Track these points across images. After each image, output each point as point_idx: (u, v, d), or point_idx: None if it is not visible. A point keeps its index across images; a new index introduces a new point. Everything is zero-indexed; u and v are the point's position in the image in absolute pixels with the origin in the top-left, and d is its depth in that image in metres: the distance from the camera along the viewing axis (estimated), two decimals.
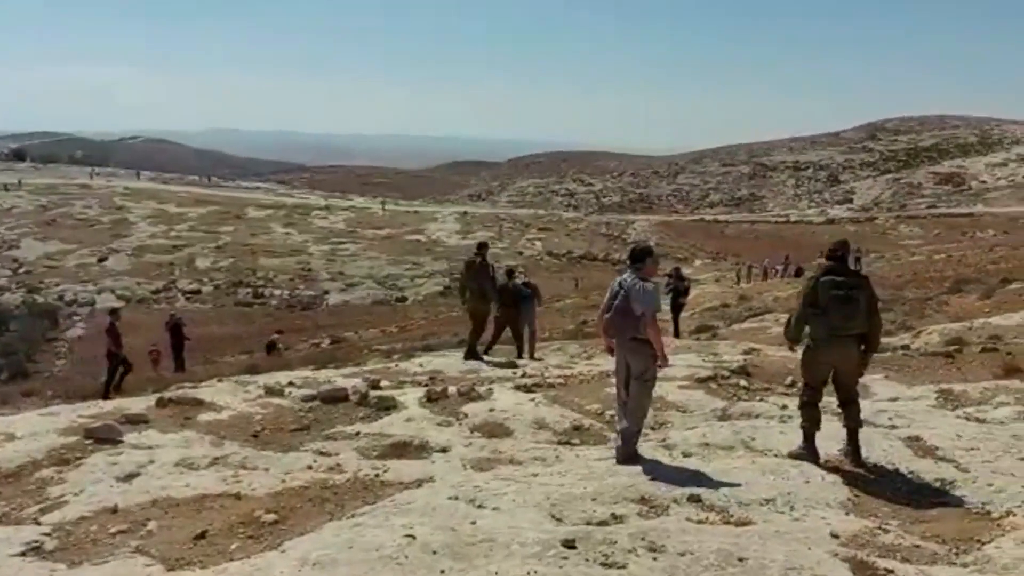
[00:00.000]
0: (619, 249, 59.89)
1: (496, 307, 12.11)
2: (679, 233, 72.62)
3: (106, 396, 12.93)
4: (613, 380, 8.57)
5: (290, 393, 8.79)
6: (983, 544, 4.54)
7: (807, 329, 6.14)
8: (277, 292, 46.46)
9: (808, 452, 6.16)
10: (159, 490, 5.76)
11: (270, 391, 8.88)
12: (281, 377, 10.23)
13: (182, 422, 7.59)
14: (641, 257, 6.17)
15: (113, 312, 16.84)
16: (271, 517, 5.16)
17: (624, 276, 6.21)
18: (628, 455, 6.16)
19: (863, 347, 6.11)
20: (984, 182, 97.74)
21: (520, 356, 12.64)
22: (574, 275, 51.48)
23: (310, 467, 6.31)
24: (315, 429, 7.52)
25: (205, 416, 7.82)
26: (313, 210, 72.61)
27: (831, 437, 6.77)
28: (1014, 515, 5.03)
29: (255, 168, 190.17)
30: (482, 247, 12.15)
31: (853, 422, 6.19)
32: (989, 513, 5.15)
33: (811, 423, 6.17)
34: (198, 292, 46.33)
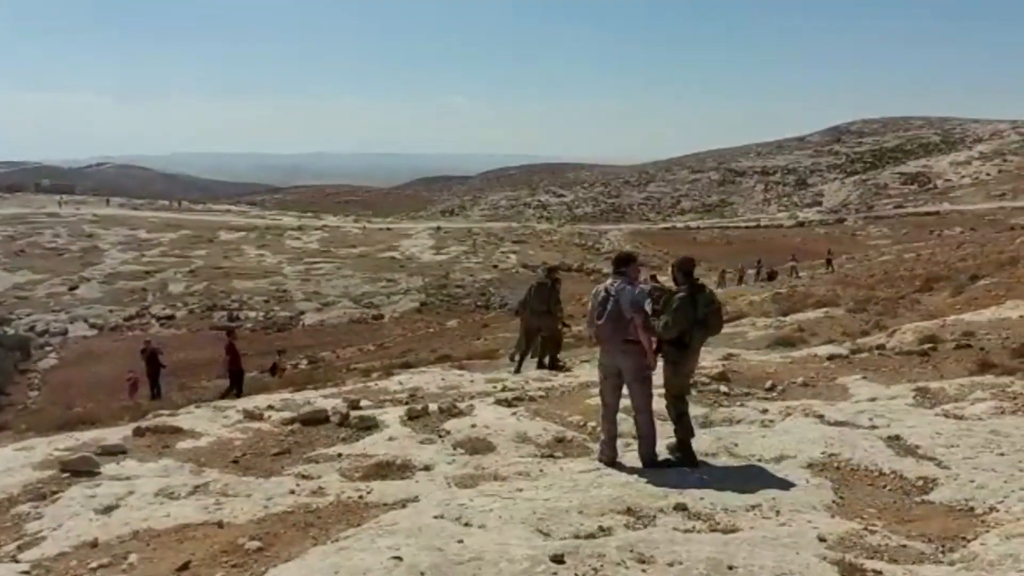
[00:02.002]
0: (593, 259, 60.12)
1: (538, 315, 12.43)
2: (652, 241, 72.92)
3: None
4: (594, 391, 8.58)
5: (269, 417, 8.69)
6: (968, 541, 4.57)
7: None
8: (252, 314, 46.04)
9: (690, 458, 6.44)
10: (139, 521, 5.66)
11: (249, 415, 8.77)
12: (260, 400, 10.12)
13: (160, 451, 7.48)
14: (626, 262, 6.43)
15: (230, 332, 18.71)
16: (255, 544, 5.09)
17: (609, 282, 6.34)
18: (652, 456, 6.41)
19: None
20: (949, 180, 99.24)
21: (545, 364, 12.62)
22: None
23: (292, 491, 6.23)
24: (296, 452, 7.44)
25: (184, 444, 7.71)
26: (286, 230, 72.20)
27: (813, 441, 6.83)
28: (997, 511, 5.08)
29: (225, 191, 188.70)
30: (552, 272, 13.18)
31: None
32: (972, 510, 5.19)
33: (688, 433, 6.52)
34: (172, 317, 45.83)
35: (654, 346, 6.35)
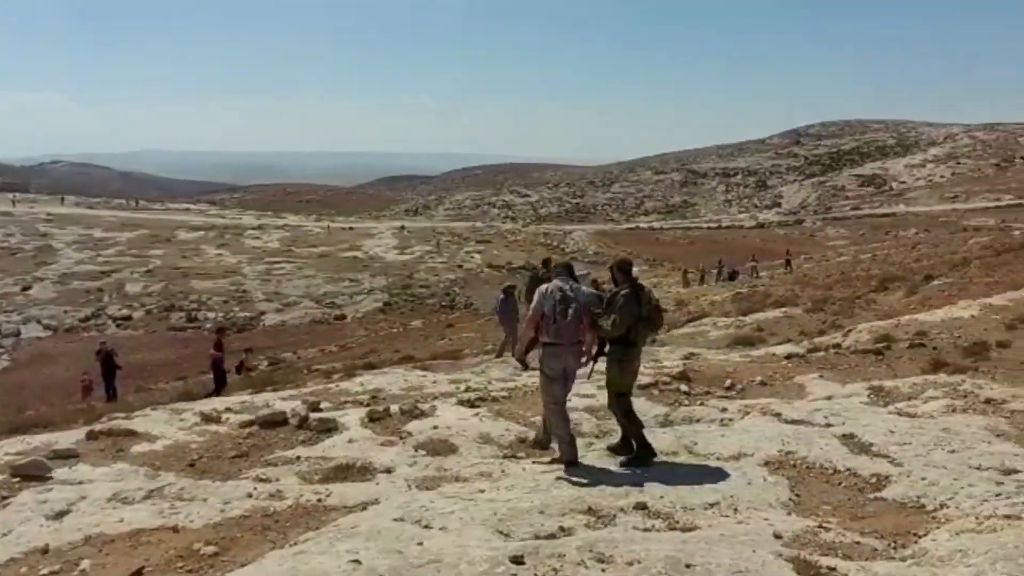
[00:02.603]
0: (558, 259, 60.17)
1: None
2: (616, 241, 73.32)
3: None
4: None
5: (227, 419, 8.58)
6: (919, 537, 4.66)
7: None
8: (211, 315, 45.36)
9: (648, 452, 6.55)
10: (92, 527, 5.54)
11: (206, 418, 8.64)
12: (217, 403, 9.98)
13: (114, 454, 7.33)
14: (570, 270, 6.68)
15: (220, 331, 19.33)
16: (211, 549, 5.02)
17: (561, 284, 6.40)
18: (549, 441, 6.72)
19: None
20: (904, 183, 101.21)
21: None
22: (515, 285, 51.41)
23: (250, 495, 6.16)
24: (254, 455, 7.34)
25: (139, 447, 7.57)
26: (246, 230, 71.33)
27: (771, 439, 6.91)
28: (947, 508, 5.19)
29: (183, 190, 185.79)
30: (547, 263, 13.00)
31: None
32: (924, 507, 5.30)
33: (639, 427, 6.67)
34: (129, 318, 44.99)
35: (595, 348, 6.56)
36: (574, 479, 6.09)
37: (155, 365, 33.11)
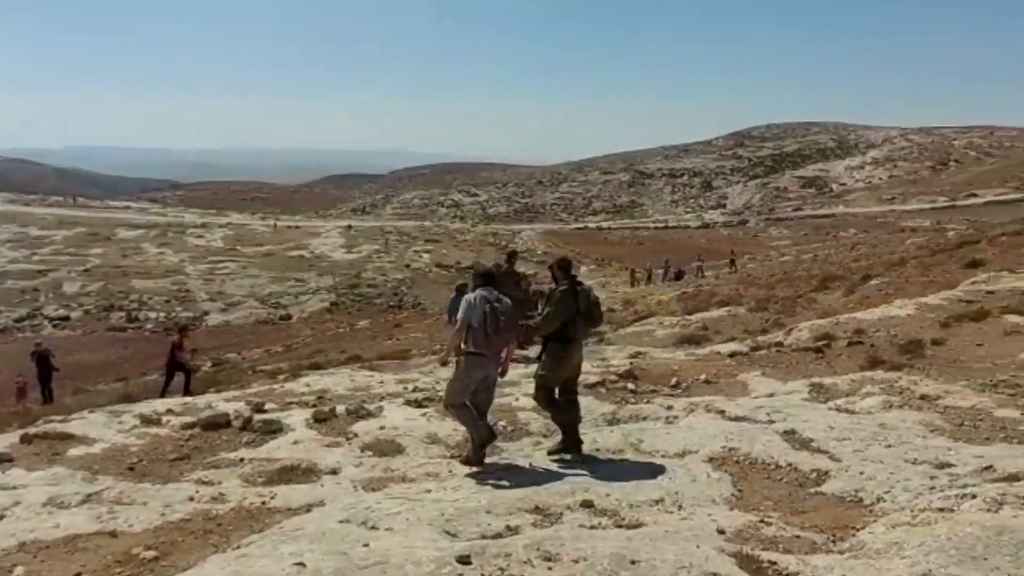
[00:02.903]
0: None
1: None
2: (564, 241, 73.66)
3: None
4: (507, 391, 8.63)
5: (168, 421, 8.40)
6: (857, 531, 4.78)
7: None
8: (152, 315, 44.37)
9: (573, 443, 6.73)
10: (26, 533, 5.38)
11: (146, 420, 8.45)
12: (158, 404, 9.76)
13: (50, 458, 7.14)
14: (491, 276, 6.71)
15: (183, 329, 18.66)
16: (150, 554, 4.91)
17: (486, 295, 6.43)
18: (483, 458, 6.62)
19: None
20: (844, 184, 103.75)
21: None
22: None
23: (191, 498, 6.04)
24: (196, 458, 7.21)
25: (76, 450, 7.38)
26: (188, 228, 69.94)
27: (715, 436, 7.01)
28: (884, 501, 5.33)
29: (124, 187, 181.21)
30: (512, 256, 12.96)
31: (578, 416, 6.94)
32: (861, 500, 5.43)
33: (573, 417, 6.83)
34: (66, 318, 43.73)
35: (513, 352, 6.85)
36: (522, 479, 6.10)
37: (94, 366, 32.26)
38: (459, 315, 6.49)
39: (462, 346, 6.43)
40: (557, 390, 6.84)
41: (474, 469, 6.44)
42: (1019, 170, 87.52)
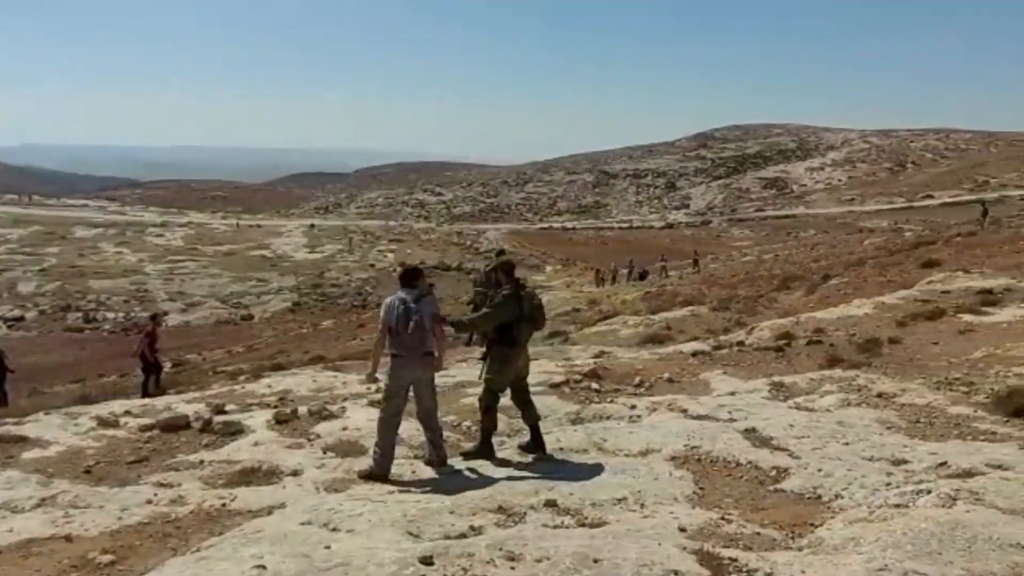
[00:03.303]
0: (472, 259, 60.22)
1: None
2: (529, 241, 73.85)
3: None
4: (471, 391, 8.61)
5: (126, 423, 8.26)
6: (815, 527, 4.84)
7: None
8: (111, 315, 43.64)
9: (488, 450, 6.76)
10: None
11: (103, 422, 8.30)
12: (116, 406, 9.57)
13: (4, 461, 6.97)
14: (415, 276, 6.59)
15: (154, 317, 17.90)
16: (107, 558, 4.83)
17: (404, 295, 6.38)
18: (445, 457, 6.57)
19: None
20: (804, 185, 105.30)
21: None
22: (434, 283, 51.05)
23: (150, 501, 5.94)
24: (155, 460, 7.10)
25: (30, 453, 7.22)
26: (147, 227, 68.91)
27: (677, 434, 7.07)
28: (842, 498, 5.41)
29: (82, 185, 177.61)
30: (500, 255, 13.11)
31: (534, 418, 6.91)
32: (820, 497, 5.51)
33: (494, 424, 6.85)
34: (21, 319, 42.83)
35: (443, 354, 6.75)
36: (485, 478, 6.09)
37: (50, 368, 31.63)
38: (380, 319, 6.43)
39: (386, 350, 6.40)
40: (509, 392, 6.85)
41: (434, 472, 6.44)
42: (973, 172, 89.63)
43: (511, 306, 6.58)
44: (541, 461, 6.58)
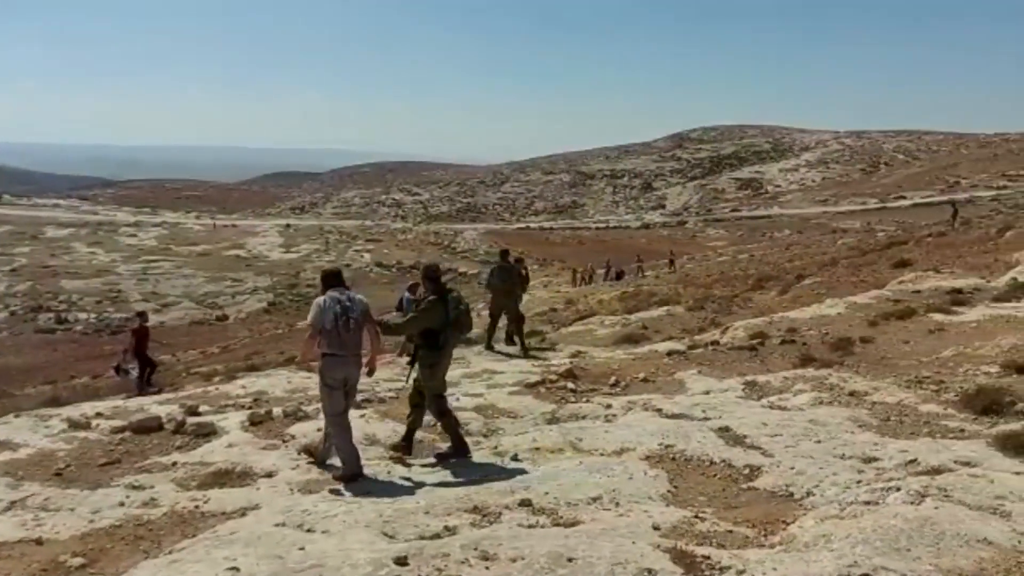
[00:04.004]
0: (449, 258, 60.13)
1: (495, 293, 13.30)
2: (507, 241, 73.78)
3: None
4: (447, 391, 8.57)
5: (97, 425, 8.17)
6: (788, 525, 4.89)
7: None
8: (83, 316, 43.09)
9: (462, 450, 6.81)
10: None
11: (74, 424, 8.20)
12: (87, 408, 9.46)
13: None
14: (338, 277, 6.63)
15: (141, 314, 17.98)
16: (78, 561, 4.78)
17: (337, 295, 6.38)
18: (325, 459, 6.71)
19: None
20: (779, 186, 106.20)
21: (516, 344, 13.02)
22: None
23: (122, 503, 5.89)
24: (127, 462, 7.03)
25: (0, 456, 7.12)
26: (120, 227, 68.15)
27: (652, 434, 7.11)
28: (813, 495, 5.47)
29: (53, 184, 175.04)
30: (505, 253, 13.88)
31: (418, 424, 7.13)
32: (792, 495, 5.57)
33: (457, 421, 6.97)
34: None
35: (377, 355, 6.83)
36: (461, 479, 6.10)
37: (20, 369, 31.22)
38: (308, 320, 6.40)
39: (317, 349, 6.37)
40: (411, 386, 6.99)
41: (406, 470, 6.45)
42: (944, 173, 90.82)
43: (437, 311, 6.62)
44: (517, 460, 6.60)
